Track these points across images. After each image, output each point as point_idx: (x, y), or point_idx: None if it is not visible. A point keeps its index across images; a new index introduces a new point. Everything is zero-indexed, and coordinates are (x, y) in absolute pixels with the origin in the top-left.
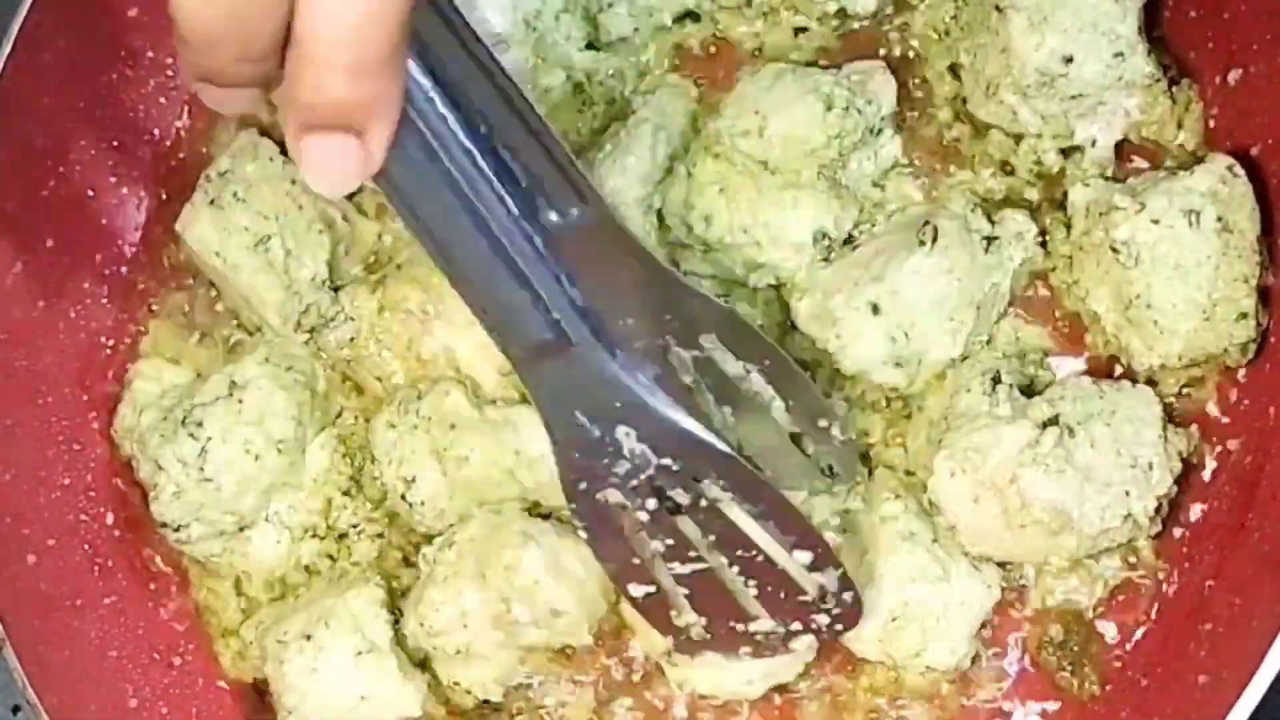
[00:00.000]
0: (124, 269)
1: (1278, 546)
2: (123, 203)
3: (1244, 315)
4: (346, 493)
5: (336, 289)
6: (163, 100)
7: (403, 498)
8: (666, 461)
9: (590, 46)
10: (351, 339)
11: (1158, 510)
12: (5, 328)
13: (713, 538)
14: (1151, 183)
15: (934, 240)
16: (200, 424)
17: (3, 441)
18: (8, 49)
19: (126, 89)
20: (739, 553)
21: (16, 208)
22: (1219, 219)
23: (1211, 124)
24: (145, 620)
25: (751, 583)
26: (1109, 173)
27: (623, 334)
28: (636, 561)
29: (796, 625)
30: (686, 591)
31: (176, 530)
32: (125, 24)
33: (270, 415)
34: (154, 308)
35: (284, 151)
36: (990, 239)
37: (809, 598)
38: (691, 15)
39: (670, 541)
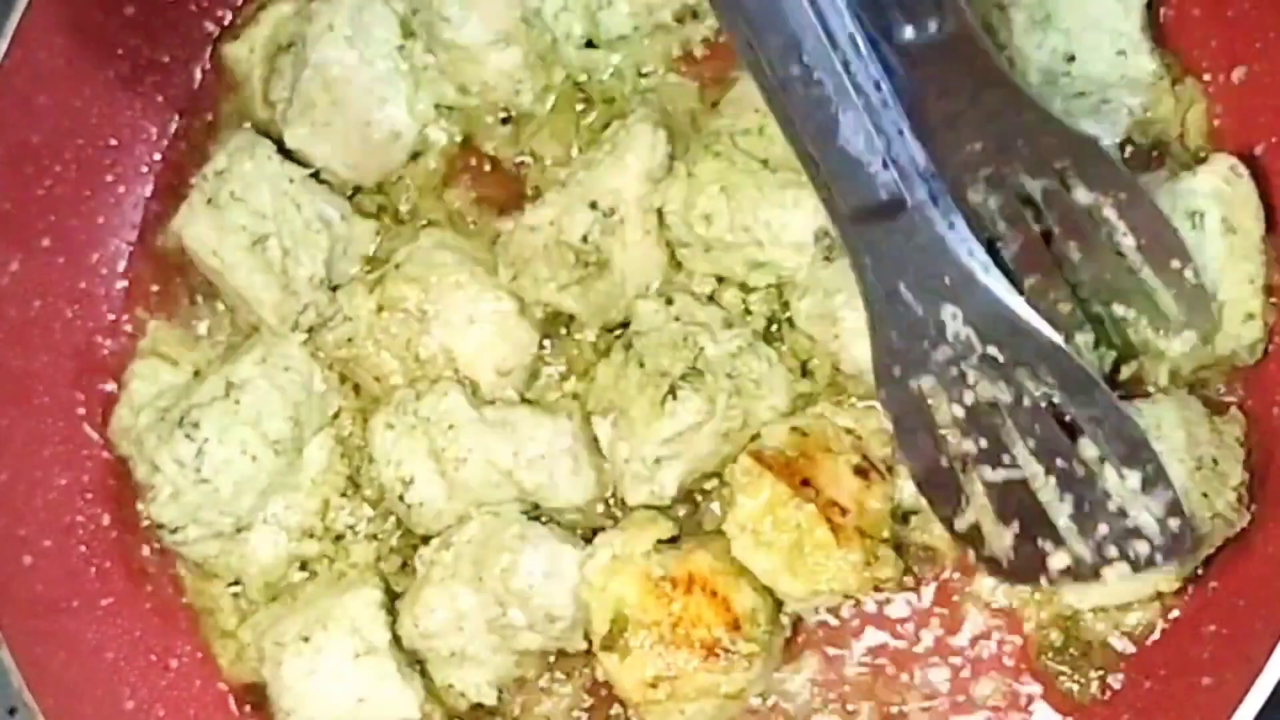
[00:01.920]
0: (121, 268)
1: None
2: (119, 202)
3: (1251, 315)
4: (344, 493)
5: (334, 288)
6: (160, 99)
7: (400, 498)
8: (991, 351)
9: (590, 45)
10: (349, 339)
11: (1240, 499)
12: (1, 327)
13: (1032, 443)
14: (1154, 184)
15: None
16: (197, 425)
17: None
18: (4, 47)
19: (124, 88)
20: (1059, 463)
21: (13, 207)
22: (1223, 220)
23: (1216, 122)
24: (142, 622)
25: (1067, 499)
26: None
27: (964, 180)
28: (944, 463)
29: (1112, 552)
30: (994, 505)
31: (174, 532)
32: (123, 23)
33: (267, 416)
34: (151, 308)
35: (281, 150)
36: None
37: (1129, 524)
38: (692, 13)
39: (984, 443)
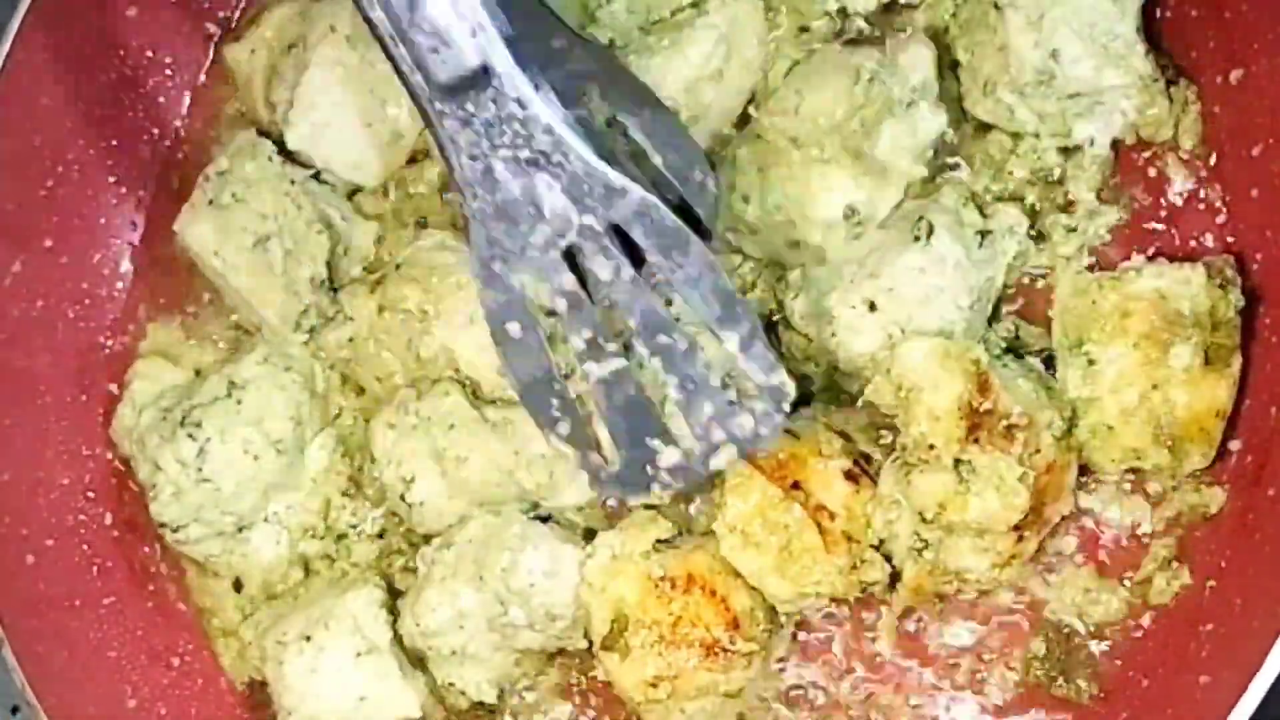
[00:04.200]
0: (123, 269)
1: (1279, 547)
2: (122, 203)
3: None
4: (346, 493)
5: (335, 289)
6: (162, 100)
7: (402, 498)
8: (588, 221)
9: None
10: (351, 339)
11: None
12: (4, 327)
13: (633, 323)
14: None
15: (929, 235)
16: (199, 424)
17: (1, 442)
18: (6, 48)
19: (126, 89)
20: (660, 339)
21: (15, 207)
22: None
23: (1212, 124)
24: (144, 621)
25: (672, 381)
26: (1108, 172)
27: (546, 62)
28: (548, 369)
29: (718, 435)
30: (603, 405)
31: (175, 531)
32: (125, 24)
33: (269, 415)
34: (153, 308)
35: (283, 151)
36: (984, 233)
37: (732, 397)
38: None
39: (588, 334)
